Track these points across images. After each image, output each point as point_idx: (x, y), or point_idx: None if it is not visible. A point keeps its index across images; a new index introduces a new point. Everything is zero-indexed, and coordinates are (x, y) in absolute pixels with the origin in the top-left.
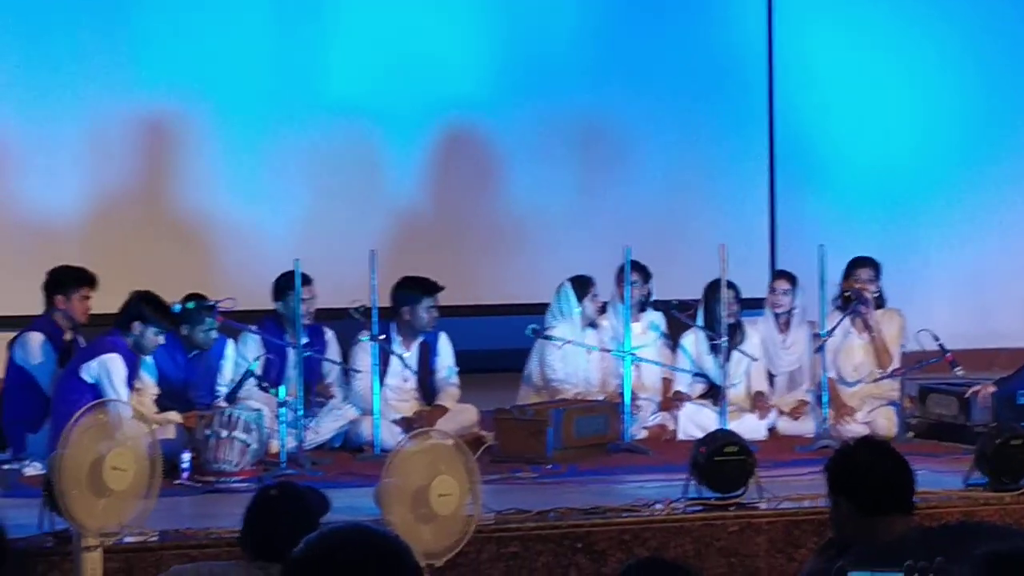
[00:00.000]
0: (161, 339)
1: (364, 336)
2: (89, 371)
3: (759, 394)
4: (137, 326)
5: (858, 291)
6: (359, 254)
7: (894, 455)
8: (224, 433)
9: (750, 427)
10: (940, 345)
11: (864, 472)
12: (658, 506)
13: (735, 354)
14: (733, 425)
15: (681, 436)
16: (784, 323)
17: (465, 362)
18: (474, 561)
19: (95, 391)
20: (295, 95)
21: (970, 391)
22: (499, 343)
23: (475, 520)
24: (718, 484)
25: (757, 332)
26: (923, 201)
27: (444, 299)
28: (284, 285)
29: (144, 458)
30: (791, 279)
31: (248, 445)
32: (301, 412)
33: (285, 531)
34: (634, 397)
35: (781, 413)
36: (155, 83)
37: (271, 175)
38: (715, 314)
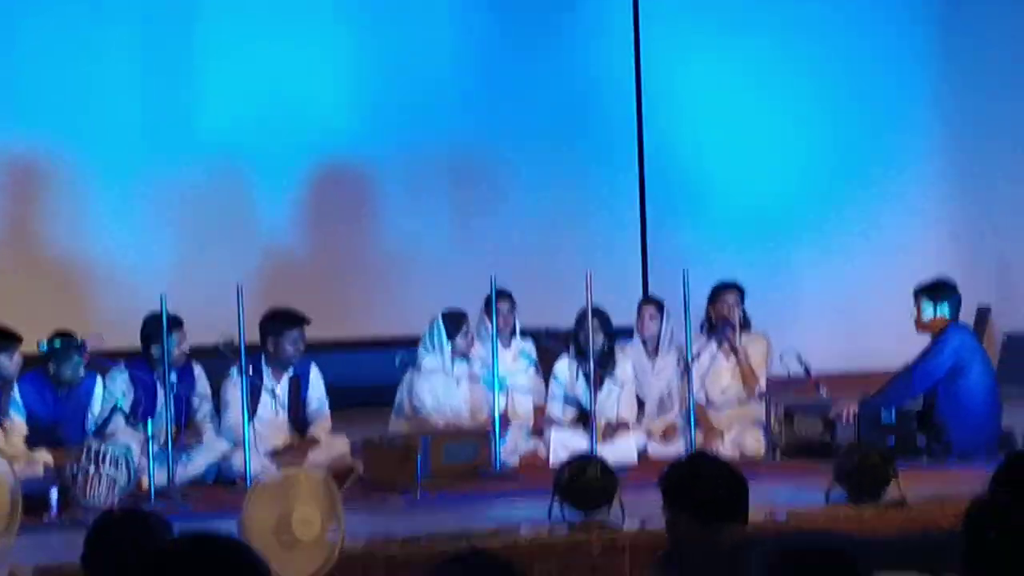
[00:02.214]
0: (15, 357)
1: (233, 370)
2: None
3: (621, 423)
4: None
5: (723, 316)
6: (231, 291)
7: (727, 466)
8: (92, 469)
9: (621, 451)
10: (804, 367)
11: (699, 484)
12: (523, 528)
13: (607, 381)
14: (604, 449)
15: (553, 462)
16: (653, 349)
17: (338, 397)
18: None
19: None
20: (165, 134)
21: (834, 411)
22: (372, 377)
23: (339, 546)
24: (582, 505)
25: (627, 358)
26: (794, 227)
27: (317, 333)
28: (152, 330)
29: (4, 496)
30: (659, 305)
31: (116, 481)
32: (170, 447)
33: (125, 552)
34: (505, 424)
35: (651, 437)
36: (25, 123)
37: (141, 214)
38: (584, 341)
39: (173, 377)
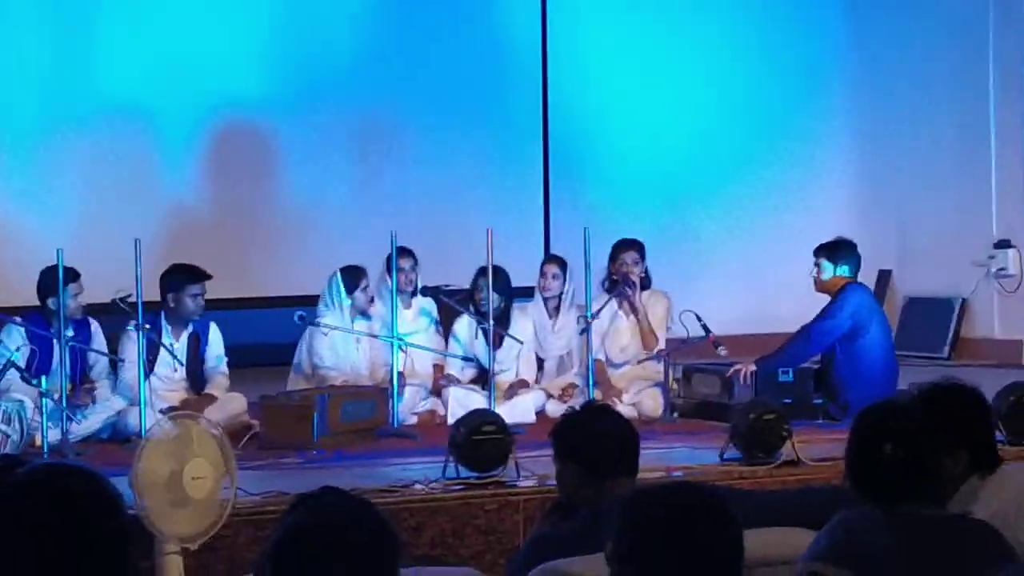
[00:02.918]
0: None
1: (130, 325)
2: None
3: (522, 382)
4: None
5: (624, 274)
6: (130, 248)
7: (619, 419)
8: None
9: (520, 410)
10: (703, 326)
11: (591, 436)
12: (417, 486)
13: (507, 339)
14: (503, 408)
15: (451, 421)
16: (554, 308)
17: (238, 356)
18: (231, 544)
19: None
20: (64, 89)
21: (731, 370)
22: (272, 336)
23: (231, 503)
24: (477, 463)
25: (527, 317)
26: (697, 188)
27: (217, 291)
28: (49, 282)
29: None
30: (561, 263)
31: (8, 436)
32: (64, 403)
33: None
34: (404, 383)
35: (550, 396)
36: None
37: (40, 170)
38: (480, 300)
39: (69, 331)
